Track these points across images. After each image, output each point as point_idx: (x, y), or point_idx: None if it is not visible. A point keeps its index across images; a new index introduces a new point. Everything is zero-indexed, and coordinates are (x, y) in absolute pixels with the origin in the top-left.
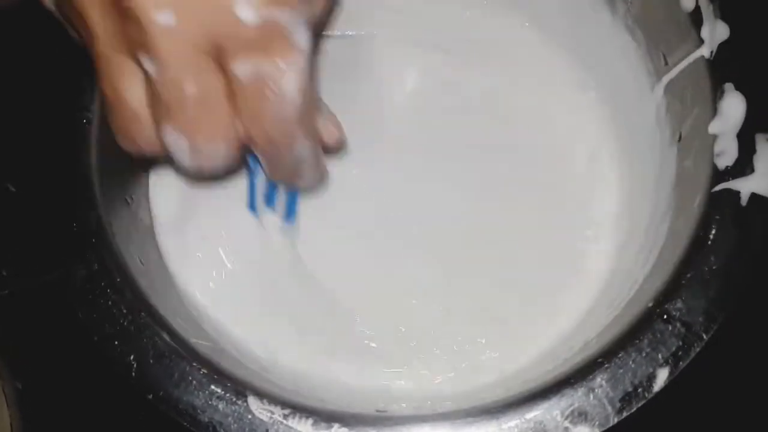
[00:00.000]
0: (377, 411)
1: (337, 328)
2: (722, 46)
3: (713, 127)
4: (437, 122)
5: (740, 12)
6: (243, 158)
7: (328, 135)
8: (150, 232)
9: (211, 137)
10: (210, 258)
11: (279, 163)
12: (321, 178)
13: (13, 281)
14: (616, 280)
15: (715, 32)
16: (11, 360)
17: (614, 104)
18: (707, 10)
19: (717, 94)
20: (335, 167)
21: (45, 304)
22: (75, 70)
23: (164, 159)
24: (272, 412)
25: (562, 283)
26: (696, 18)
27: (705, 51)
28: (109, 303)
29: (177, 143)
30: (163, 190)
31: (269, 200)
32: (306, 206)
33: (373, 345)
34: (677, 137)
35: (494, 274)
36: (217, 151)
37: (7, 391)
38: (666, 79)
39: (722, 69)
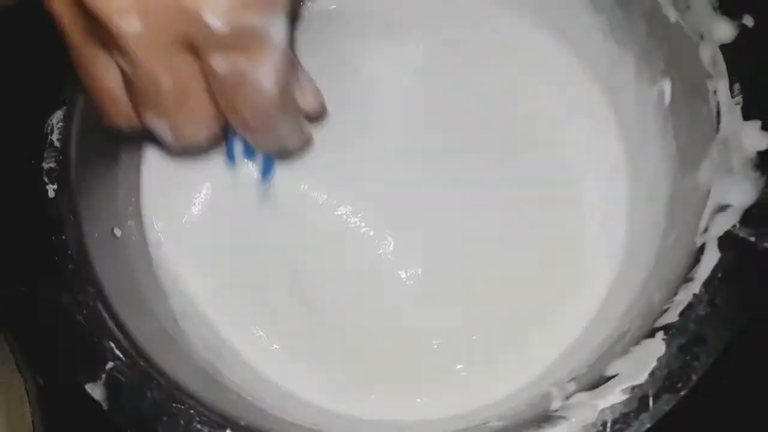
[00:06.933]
0: None
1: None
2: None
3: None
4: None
5: None
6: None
7: (308, 105)
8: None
9: (192, 121)
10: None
11: (260, 141)
12: (304, 145)
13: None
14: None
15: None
16: (32, 356)
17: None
18: None
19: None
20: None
21: (65, 301)
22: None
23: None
24: None
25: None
26: None
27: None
28: None
29: (158, 126)
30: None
31: (248, 153)
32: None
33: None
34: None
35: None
36: (198, 133)
37: (28, 387)
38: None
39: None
